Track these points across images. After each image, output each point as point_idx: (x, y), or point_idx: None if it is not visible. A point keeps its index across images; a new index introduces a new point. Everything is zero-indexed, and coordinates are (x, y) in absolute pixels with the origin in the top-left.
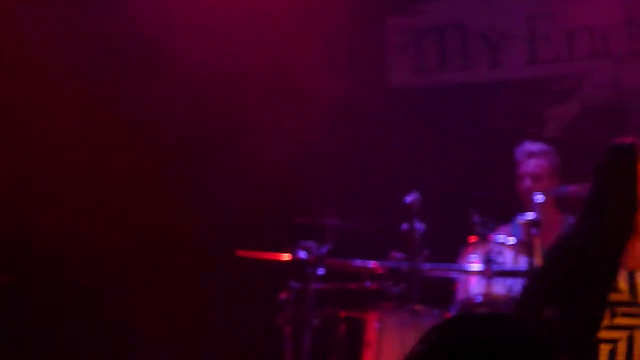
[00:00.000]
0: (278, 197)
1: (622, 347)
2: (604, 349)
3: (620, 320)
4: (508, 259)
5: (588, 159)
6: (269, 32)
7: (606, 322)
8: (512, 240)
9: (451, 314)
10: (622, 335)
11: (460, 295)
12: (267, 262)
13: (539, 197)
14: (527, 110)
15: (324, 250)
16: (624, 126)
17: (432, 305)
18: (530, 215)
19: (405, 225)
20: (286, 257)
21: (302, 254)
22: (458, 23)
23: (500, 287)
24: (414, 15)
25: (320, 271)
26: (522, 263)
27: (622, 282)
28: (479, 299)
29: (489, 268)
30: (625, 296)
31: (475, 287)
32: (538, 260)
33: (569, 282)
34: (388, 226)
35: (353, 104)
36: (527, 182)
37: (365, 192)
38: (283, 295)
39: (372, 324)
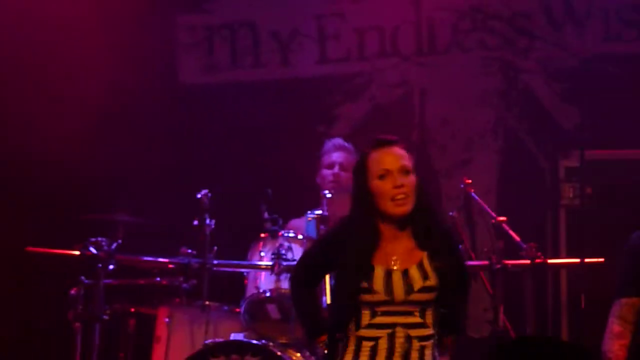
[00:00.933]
0: (68, 194)
1: (383, 344)
2: (366, 345)
3: (380, 319)
4: (297, 255)
5: None
6: (51, 31)
7: (366, 321)
8: (300, 236)
9: (241, 309)
10: (383, 333)
11: (250, 290)
12: (58, 258)
13: (328, 194)
14: (318, 108)
15: (114, 246)
16: (412, 124)
17: (222, 301)
18: (319, 211)
19: (195, 222)
20: (76, 253)
21: (93, 250)
22: (249, 22)
23: (289, 283)
24: (204, 14)
25: (111, 267)
26: None
27: (377, 283)
28: (268, 294)
29: (278, 264)
30: (381, 296)
31: (264, 283)
32: None
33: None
34: (178, 222)
35: (144, 101)
36: (336, 169)
37: (156, 188)
38: (73, 291)
39: (162, 319)
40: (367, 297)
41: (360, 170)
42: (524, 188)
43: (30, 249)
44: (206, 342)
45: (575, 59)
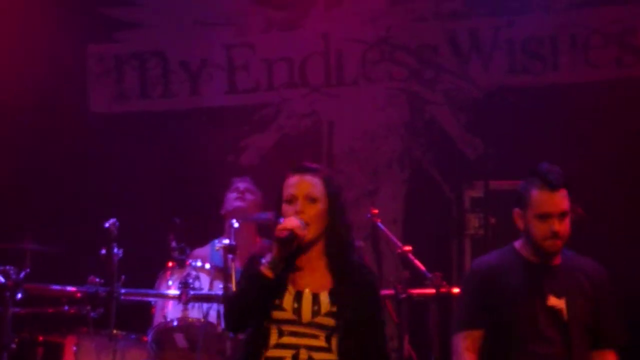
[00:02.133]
0: None
1: None
2: None
3: (287, 339)
4: (204, 284)
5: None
6: None
7: (274, 340)
8: (208, 265)
9: (148, 338)
10: (288, 353)
11: (157, 319)
12: None
13: (235, 223)
14: (226, 138)
15: (22, 274)
16: (320, 154)
17: (129, 329)
18: (226, 240)
19: (103, 250)
20: None
21: (0, 278)
22: (159, 51)
23: (196, 312)
24: (114, 43)
25: (19, 295)
26: (218, 288)
27: (287, 301)
28: (175, 323)
29: (185, 293)
30: (289, 315)
31: (171, 312)
32: (234, 285)
33: None
34: (86, 251)
35: (55, 130)
36: (241, 188)
37: (64, 216)
38: None
39: (70, 348)
40: (276, 314)
41: (278, 193)
42: (429, 218)
43: None
44: None
45: (480, 90)
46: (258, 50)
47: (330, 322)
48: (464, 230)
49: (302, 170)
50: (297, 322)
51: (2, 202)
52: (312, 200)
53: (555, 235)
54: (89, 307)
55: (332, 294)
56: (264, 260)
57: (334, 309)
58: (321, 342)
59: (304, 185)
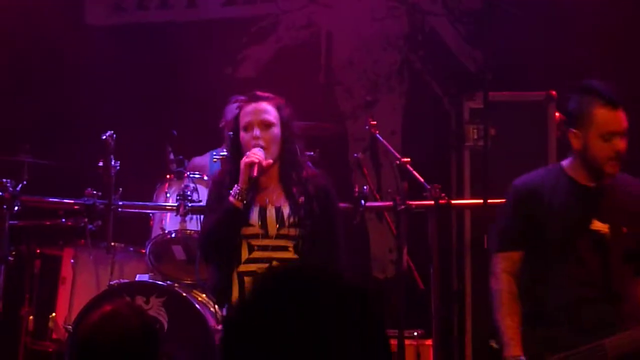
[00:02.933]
0: None
1: None
2: (247, 281)
3: (257, 254)
4: (203, 196)
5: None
6: None
7: (245, 255)
8: (206, 177)
9: (146, 250)
10: (261, 267)
11: (155, 232)
12: None
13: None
14: (224, 50)
15: (19, 187)
16: (319, 66)
17: (127, 242)
18: (224, 152)
19: (100, 163)
20: None
21: None
22: None
23: (194, 224)
24: None
25: (16, 208)
26: None
27: (253, 217)
28: (173, 235)
29: (183, 205)
30: (256, 229)
31: (169, 224)
32: None
33: None
34: (83, 163)
35: (50, 42)
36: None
37: (61, 129)
38: None
39: (67, 260)
40: (244, 230)
41: (234, 121)
42: (428, 130)
43: None
44: (111, 282)
45: (479, 1)
46: None
47: (294, 232)
48: (463, 141)
49: (255, 98)
50: (265, 235)
51: None
52: (267, 125)
53: (618, 155)
54: (86, 220)
55: (292, 206)
56: (232, 192)
57: (296, 219)
58: (291, 254)
59: (259, 112)
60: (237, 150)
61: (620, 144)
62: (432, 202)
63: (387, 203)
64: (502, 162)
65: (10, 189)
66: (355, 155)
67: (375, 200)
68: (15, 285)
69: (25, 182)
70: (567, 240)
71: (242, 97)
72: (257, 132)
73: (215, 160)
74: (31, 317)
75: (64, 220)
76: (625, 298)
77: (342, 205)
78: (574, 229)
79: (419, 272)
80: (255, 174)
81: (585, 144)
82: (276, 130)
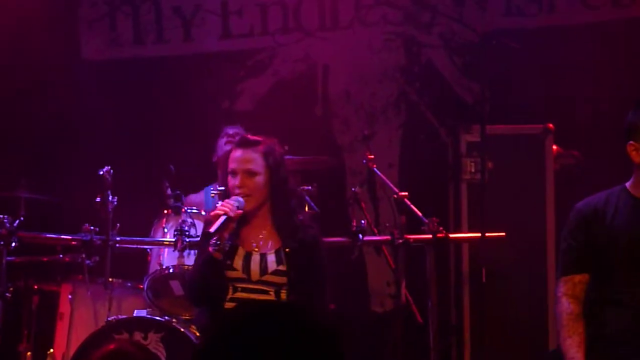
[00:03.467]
0: None
1: None
2: None
3: (240, 295)
4: (200, 232)
5: (279, 130)
6: None
7: (229, 295)
8: (203, 212)
9: (144, 285)
10: None
11: (153, 267)
12: None
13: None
14: (221, 84)
15: (16, 223)
16: (317, 99)
17: (125, 277)
18: (222, 188)
19: (97, 198)
20: None
21: None
22: None
23: (192, 259)
24: None
25: (13, 244)
26: None
27: (237, 262)
28: (171, 270)
29: (181, 240)
30: (239, 274)
31: (167, 259)
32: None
33: None
34: (80, 199)
35: (47, 76)
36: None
37: (58, 164)
38: None
39: (65, 296)
40: (229, 273)
41: (223, 163)
42: (426, 163)
43: None
44: (109, 318)
45: (476, 34)
46: None
47: (276, 279)
48: (460, 175)
49: (243, 144)
50: (247, 280)
51: None
52: (251, 174)
53: None
54: (84, 255)
55: (278, 254)
56: (212, 241)
57: (281, 267)
58: (271, 297)
59: (244, 160)
60: (226, 191)
61: None
62: (430, 236)
63: (385, 237)
64: (500, 195)
65: (8, 225)
66: (353, 189)
67: (373, 234)
68: (13, 321)
69: (22, 218)
70: (633, 260)
71: (232, 131)
72: (238, 180)
73: (212, 195)
74: (29, 353)
75: (61, 255)
76: None
77: (339, 239)
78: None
79: (417, 306)
80: (211, 229)
81: None
82: (260, 178)
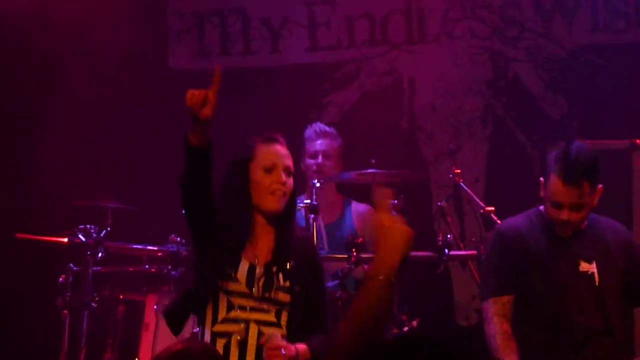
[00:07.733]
0: (57, 180)
1: (235, 340)
2: (220, 342)
3: (235, 314)
4: None
5: (365, 143)
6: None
7: (222, 315)
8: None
9: None
10: (237, 327)
11: None
12: (46, 245)
13: (317, 183)
14: (307, 96)
15: (103, 233)
16: (402, 112)
17: None
18: (307, 200)
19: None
20: (65, 240)
21: (81, 237)
22: (239, 8)
23: None
24: (194, 0)
25: (99, 254)
26: None
27: (241, 273)
28: None
29: None
30: (242, 287)
31: None
32: (318, 242)
33: None
34: (168, 209)
35: (135, 87)
36: (319, 159)
37: (147, 174)
38: (61, 279)
39: (151, 306)
40: (230, 285)
41: (244, 160)
42: (512, 177)
43: (20, 235)
44: (195, 330)
45: (563, 49)
46: (339, 7)
47: (280, 297)
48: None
49: (276, 140)
50: (249, 295)
51: (84, 160)
52: (290, 173)
53: None
54: (169, 266)
55: (281, 268)
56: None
57: (287, 284)
58: (271, 317)
59: (285, 156)
60: (246, 192)
61: None
62: None
63: (471, 252)
64: None
65: (94, 235)
66: (439, 203)
67: (459, 248)
68: (99, 331)
69: (109, 228)
70: (560, 284)
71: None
72: (282, 177)
73: (299, 209)
74: None
75: (147, 266)
76: (618, 331)
77: (425, 253)
78: (564, 272)
79: None
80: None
81: None
82: (292, 180)
